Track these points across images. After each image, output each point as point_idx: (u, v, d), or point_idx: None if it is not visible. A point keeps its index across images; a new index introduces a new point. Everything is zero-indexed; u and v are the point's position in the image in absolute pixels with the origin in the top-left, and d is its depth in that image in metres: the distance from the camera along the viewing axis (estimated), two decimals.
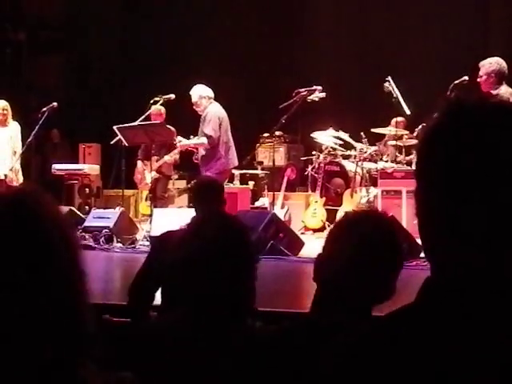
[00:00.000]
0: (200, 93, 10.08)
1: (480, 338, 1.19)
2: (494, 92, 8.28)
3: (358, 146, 11.24)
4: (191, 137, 10.28)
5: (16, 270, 1.23)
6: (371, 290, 2.21)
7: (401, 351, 1.22)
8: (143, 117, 10.52)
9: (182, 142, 10.35)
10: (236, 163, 10.23)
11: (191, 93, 10.09)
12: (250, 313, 2.45)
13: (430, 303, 1.24)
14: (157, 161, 10.73)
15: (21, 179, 10.81)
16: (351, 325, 1.88)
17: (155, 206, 10.32)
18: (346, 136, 11.47)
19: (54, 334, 1.23)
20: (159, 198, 10.86)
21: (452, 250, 1.24)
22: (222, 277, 2.27)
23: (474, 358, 1.18)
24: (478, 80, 8.40)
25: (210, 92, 10.11)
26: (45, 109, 10.77)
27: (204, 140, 9.96)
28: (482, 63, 8.44)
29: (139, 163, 11.24)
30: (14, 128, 10.75)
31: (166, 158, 10.82)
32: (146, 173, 11.09)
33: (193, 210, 4.75)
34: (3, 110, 10.67)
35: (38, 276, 1.24)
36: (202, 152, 10.06)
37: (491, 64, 8.38)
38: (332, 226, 2.35)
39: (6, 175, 10.60)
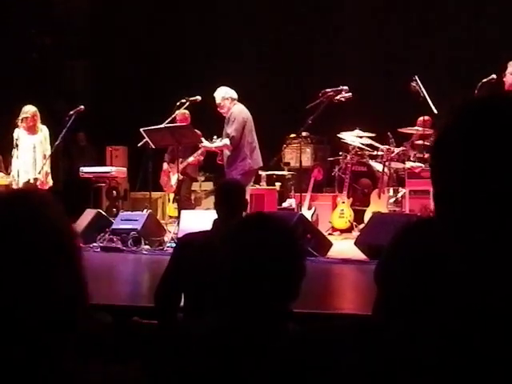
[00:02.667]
0: (223, 94, 10.09)
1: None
2: None
3: (383, 147, 11.22)
4: (214, 137, 10.29)
5: (11, 270, 1.26)
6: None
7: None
8: (169, 119, 10.54)
9: (204, 144, 10.35)
10: (261, 164, 10.20)
11: (215, 95, 10.10)
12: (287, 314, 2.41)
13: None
14: (181, 163, 10.74)
15: (50, 182, 10.89)
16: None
17: (181, 208, 10.35)
18: (369, 140, 11.43)
19: (40, 332, 1.27)
20: (184, 199, 10.87)
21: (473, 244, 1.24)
22: (266, 278, 2.24)
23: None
24: (504, 79, 8.37)
25: (233, 93, 10.11)
26: (72, 112, 10.83)
27: (226, 141, 9.97)
28: (509, 63, 8.41)
29: (165, 165, 11.27)
30: (43, 132, 10.83)
31: (190, 159, 10.84)
32: (171, 175, 11.13)
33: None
34: (33, 115, 10.74)
35: (31, 276, 1.27)
36: (226, 153, 10.06)
37: (509, 64, 8.37)
38: (396, 233, 2.31)
39: (36, 179, 10.68)
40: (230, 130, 9.91)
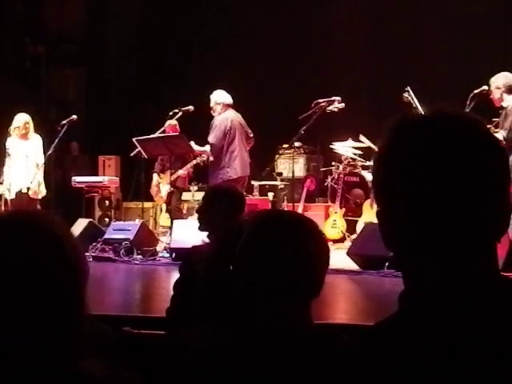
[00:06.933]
0: (215, 98, 10.11)
1: (467, 344, 1.19)
2: (504, 105, 8.32)
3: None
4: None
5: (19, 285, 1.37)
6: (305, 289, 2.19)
7: (386, 363, 1.21)
8: (161, 129, 10.55)
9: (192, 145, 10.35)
10: (241, 174, 9.95)
11: (210, 97, 10.14)
12: None
13: (412, 314, 1.24)
14: (171, 174, 10.73)
15: (43, 192, 10.86)
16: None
17: (173, 218, 10.35)
18: (367, 141, 11.43)
19: (54, 339, 1.38)
20: (174, 209, 10.87)
21: (425, 260, 1.25)
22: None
23: (460, 368, 1.18)
24: (490, 97, 8.44)
25: (226, 99, 10.10)
26: (64, 122, 10.81)
27: (207, 148, 10.01)
28: (490, 80, 8.51)
29: (155, 176, 11.27)
30: (36, 141, 10.80)
31: (180, 172, 10.83)
32: (161, 186, 11.13)
33: None
34: (25, 123, 10.72)
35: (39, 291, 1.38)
36: (211, 160, 10.11)
37: (498, 78, 8.47)
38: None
39: (28, 188, 10.64)
40: (210, 137, 9.95)
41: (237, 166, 9.92)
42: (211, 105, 10.11)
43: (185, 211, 11.59)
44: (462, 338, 1.18)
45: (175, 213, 10.79)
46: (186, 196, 11.69)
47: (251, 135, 10.23)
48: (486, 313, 1.20)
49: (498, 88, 8.40)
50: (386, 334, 1.24)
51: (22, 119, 10.73)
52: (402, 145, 1.29)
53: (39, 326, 1.36)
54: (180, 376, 2.08)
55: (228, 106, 10.07)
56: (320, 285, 2.17)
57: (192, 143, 10.27)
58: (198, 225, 4.53)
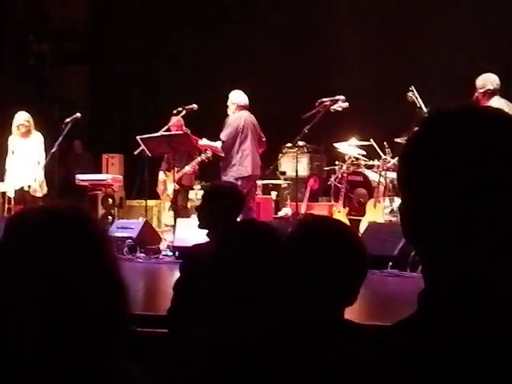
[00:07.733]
0: (231, 99, 10.18)
1: (488, 346, 1.17)
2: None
3: (382, 156, 11.21)
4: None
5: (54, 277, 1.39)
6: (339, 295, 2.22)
7: (403, 364, 1.19)
8: (165, 127, 10.54)
9: (202, 141, 10.33)
10: (252, 172, 9.99)
11: (229, 95, 10.19)
12: None
13: (434, 313, 1.22)
14: (177, 172, 10.72)
15: (45, 190, 10.85)
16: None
17: (178, 217, 10.35)
18: (372, 142, 11.41)
19: (88, 335, 1.36)
20: (180, 208, 10.87)
21: (451, 259, 1.23)
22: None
23: (477, 370, 1.16)
24: (479, 100, 8.50)
25: (241, 100, 10.13)
26: (68, 119, 10.81)
27: (219, 144, 10.02)
28: (476, 83, 8.64)
29: (161, 174, 11.27)
30: (36, 138, 10.78)
31: (187, 168, 10.83)
32: (167, 184, 11.12)
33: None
34: (25, 121, 10.71)
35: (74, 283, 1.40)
36: (222, 157, 10.13)
37: (478, 81, 8.58)
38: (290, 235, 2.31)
39: (29, 186, 10.63)
40: (222, 134, 9.98)
41: (248, 164, 9.95)
42: (228, 103, 10.17)
43: (189, 210, 11.60)
44: (481, 339, 1.17)
45: (181, 211, 10.79)
46: (190, 194, 11.69)
47: (264, 139, 10.26)
48: (507, 314, 1.18)
49: (483, 92, 8.57)
50: (403, 334, 1.23)
51: (22, 117, 10.73)
52: (425, 139, 1.27)
53: (83, 327, 1.34)
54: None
55: (242, 107, 10.11)
56: (355, 294, 2.20)
57: (204, 139, 10.28)
58: (198, 223, 4.56)
